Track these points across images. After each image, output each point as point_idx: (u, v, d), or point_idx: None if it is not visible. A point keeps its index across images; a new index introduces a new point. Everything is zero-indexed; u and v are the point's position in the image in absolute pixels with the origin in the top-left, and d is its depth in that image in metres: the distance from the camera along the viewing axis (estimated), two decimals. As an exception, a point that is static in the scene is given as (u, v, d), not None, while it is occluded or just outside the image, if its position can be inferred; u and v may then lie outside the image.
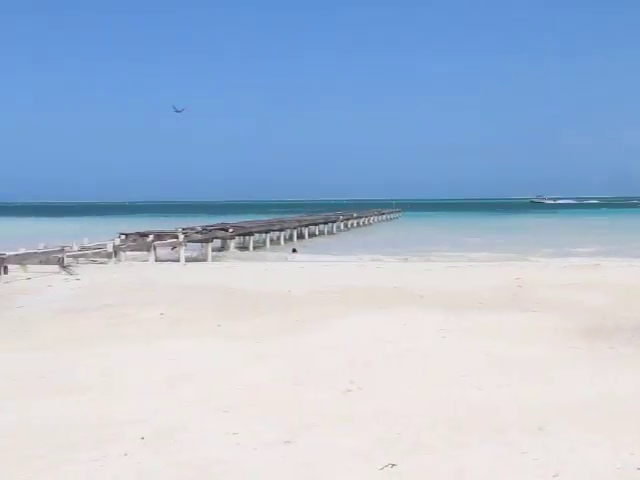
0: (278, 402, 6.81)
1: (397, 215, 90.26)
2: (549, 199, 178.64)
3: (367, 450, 5.49)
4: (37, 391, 7.36)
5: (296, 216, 55.39)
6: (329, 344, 9.66)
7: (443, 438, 5.76)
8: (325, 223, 51.86)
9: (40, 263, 20.89)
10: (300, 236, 43.51)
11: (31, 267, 20.85)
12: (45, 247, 22.59)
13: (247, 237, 36.01)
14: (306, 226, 45.51)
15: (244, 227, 35.51)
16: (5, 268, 18.53)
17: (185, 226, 34.14)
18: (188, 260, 26.82)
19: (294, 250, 32.05)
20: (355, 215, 65.16)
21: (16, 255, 20.01)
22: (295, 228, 43.00)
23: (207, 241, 30.26)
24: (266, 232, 38.15)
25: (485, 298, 14.14)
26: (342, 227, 56.69)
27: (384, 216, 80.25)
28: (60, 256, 21.26)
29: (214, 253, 30.42)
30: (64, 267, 20.86)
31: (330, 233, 51.57)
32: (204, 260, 28.55)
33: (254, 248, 34.97)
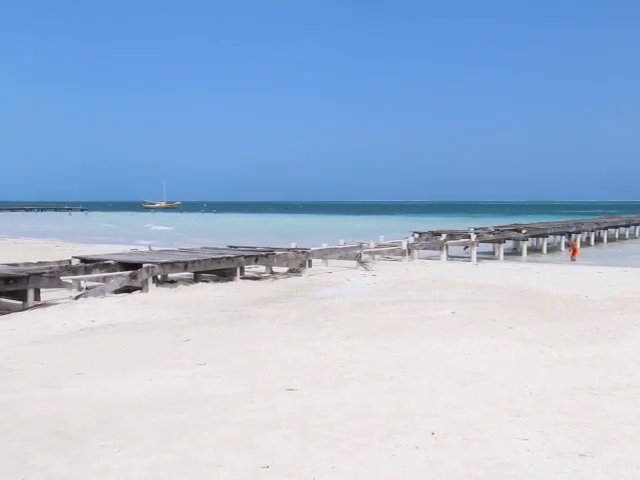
0: (572, 412, 6.51)
1: None
2: None
3: (674, 475, 5.03)
4: (337, 378, 7.86)
5: (595, 218, 52.27)
6: (630, 355, 9.01)
7: None
8: (627, 226, 48.14)
9: (340, 258, 22.25)
10: (598, 239, 40.98)
11: (332, 262, 22.33)
12: (345, 243, 24.07)
13: (540, 239, 34.88)
14: (605, 229, 42.66)
15: (538, 228, 34.38)
16: (310, 262, 20.10)
17: (478, 226, 34.05)
18: (480, 259, 26.72)
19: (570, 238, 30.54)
20: (663, 218, 59.67)
21: (319, 250, 21.57)
22: (593, 231, 40.58)
23: (499, 241, 29.95)
24: (561, 234, 36.58)
25: None
26: (647, 231, 52.25)
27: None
28: (358, 252, 22.47)
29: (506, 254, 30.01)
30: (361, 263, 22.00)
31: (632, 237, 47.82)
32: (496, 260, 28.27)
33: (548, 250, 33.73)
